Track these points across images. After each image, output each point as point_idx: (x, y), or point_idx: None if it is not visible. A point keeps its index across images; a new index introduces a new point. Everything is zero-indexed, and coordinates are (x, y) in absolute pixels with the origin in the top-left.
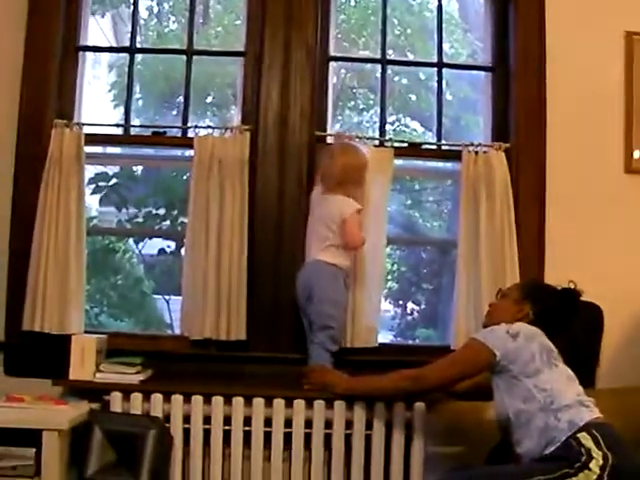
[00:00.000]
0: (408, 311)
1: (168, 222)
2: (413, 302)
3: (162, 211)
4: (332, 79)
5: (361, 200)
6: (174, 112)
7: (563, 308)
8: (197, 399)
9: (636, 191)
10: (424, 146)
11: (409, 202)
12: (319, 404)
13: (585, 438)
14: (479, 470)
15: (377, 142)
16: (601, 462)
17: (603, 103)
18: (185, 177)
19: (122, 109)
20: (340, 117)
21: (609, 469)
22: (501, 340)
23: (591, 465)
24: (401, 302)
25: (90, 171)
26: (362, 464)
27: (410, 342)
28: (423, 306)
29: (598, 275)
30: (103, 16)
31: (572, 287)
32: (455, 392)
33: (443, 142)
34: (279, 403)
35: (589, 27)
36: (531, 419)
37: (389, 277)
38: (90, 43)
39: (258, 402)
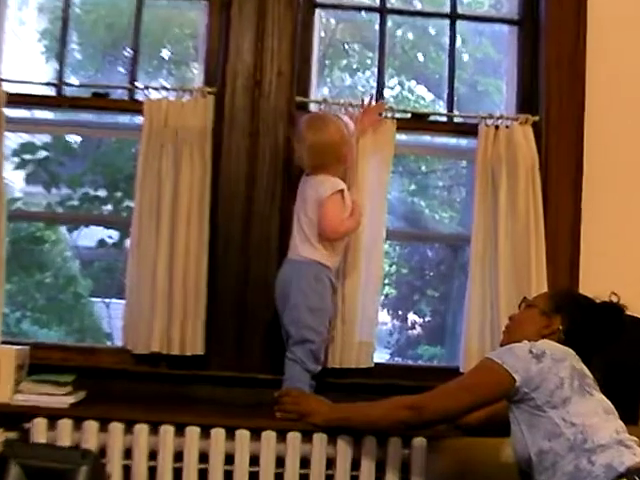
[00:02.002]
0: (409, 324)
1: (110, 206)
2: (415, 313)
3: (103, 193)
4: (318, 31)
5: (349, 177)
6: (120, 68)
7: (602, 326)
8: (141, 428)
9: None
10: (432, 117)
11: (413, 188)
12: (294, 437)
13: None
14: None
15: None
16: None
17: None
18: (132, 150)
19: (55, 64)
20: (328, 79)
21: None
22: (522, 361)
23: None
24: (400, 313)
25: (13, 140)
26: None
27: (410, 362)
28: (428, 318)
29: None
30: None
31: (614, 301)
32: (465, 425)
33: (456, 113)
34: (244, 435)
35: None
36: (558, 461)
37: (386, 281)
38: None
39: (218, 433)
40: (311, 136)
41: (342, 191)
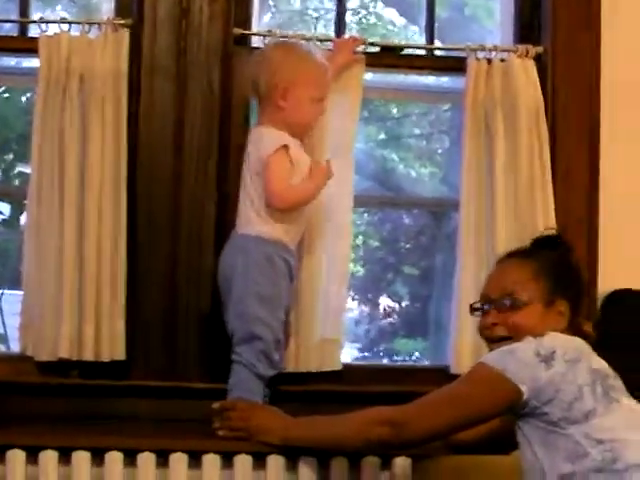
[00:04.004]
0: (381, 311)
1: None
2: (389, 297)
3: None
4: None
5: (297, 124)
6: None
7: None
8: (49, 456)
9: None
10: (407, 51)
11: (382, 137)
12: (243, 460)
13: None
14: None
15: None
16: None
17: None
18: (24, 100)
19: None
20: (272, 4)
21: None
22: (528, 367)
23: None
24: (370, 296)
25: None
26: None
27: (386, 361)
28: (405, 303)
29: None
30: None
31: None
32: (459, 442)
33: (437, 44)
34: (179, 459)
35: None
36: None
37: (352, 256)
38: None
39: (146, 459)
40: (254, 55)
41: (286, 147)
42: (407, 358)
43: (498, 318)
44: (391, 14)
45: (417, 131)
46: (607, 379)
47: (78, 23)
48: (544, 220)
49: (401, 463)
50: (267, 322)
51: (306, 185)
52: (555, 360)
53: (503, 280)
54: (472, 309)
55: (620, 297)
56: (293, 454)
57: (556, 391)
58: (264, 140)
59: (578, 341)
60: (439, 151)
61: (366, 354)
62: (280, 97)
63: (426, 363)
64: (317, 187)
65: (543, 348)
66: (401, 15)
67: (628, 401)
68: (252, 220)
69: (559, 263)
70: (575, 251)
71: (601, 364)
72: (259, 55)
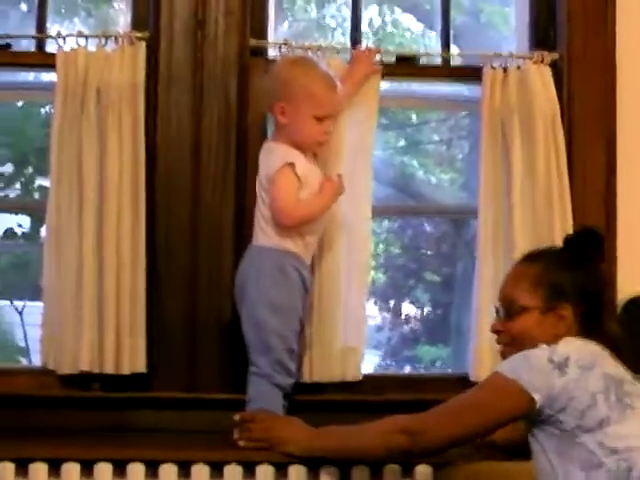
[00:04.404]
0: (403, 318)
1: (18, 186)
2: (411, 303)
3: (8, 168)
4: None
5: (306, 142)
6: (23, 7)
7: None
8: (71, 469)
9: None
10: (424, 59)
11: (402, 144)
12: (265, 471)
13: None
14: None
15: (349, 55)
16: None
17: None
18: (44, 112)
19: None
20: (289, 14)
21: None
22: (542, 375)
23: None
24: (392, 303)
25: None
26: None
27: (408, 369)
28: (427, 309)
29: None
30: None
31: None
32: (492, 443)
33: (453, 52)
34: (201, 471)
35: None
36: None
37: (372, 264)
38: None
39: (168, 471)
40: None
41: (292, 164)
42: (429, 365)
43: (501, 325)
44: (408, 20)
45: (436, 137)
46: (622, 385)
47: (95, 37)
48: (561, 227)
49: (422, 471)
50: (280, 332)
51: (314, 201)
52: (569, 367)
53: (506, 287)
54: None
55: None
56: (314, 464)
57: (569, 399)
58: (271, 156)
59: (592, 346)
60: (459, 157)
61: (388, 362)
62: (279, 113)
63: (447, 370)
64: (326, 203)
65: (557, 355)
66: (418, 21)
67: None
68: (265, 232)
69: (563, 266)
70: (603, 246)
71: (617, 369)
72: (269, 71)
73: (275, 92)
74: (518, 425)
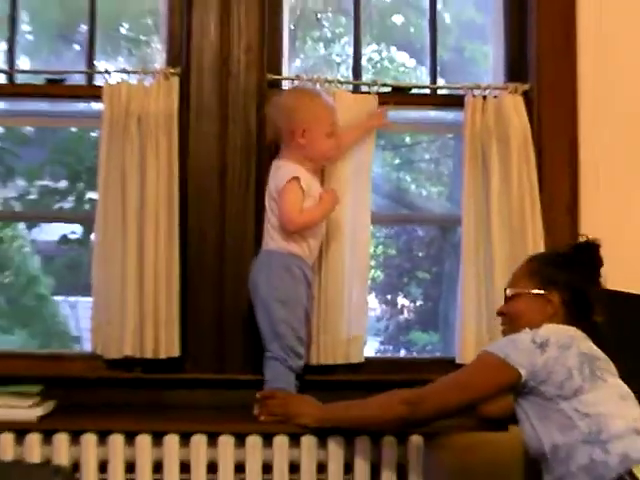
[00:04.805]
0: (399, 309)
1: (71, 199)
2: (405, 297)
3: (63, 184)
4: (288, 1)
5: (316, 157)
6: (76, 47)
7: (589, 268)
8: (116, 439)
9: None
10: (415, 90)
11: (397, 162)
12: (281, 441)
13: None
14: None
15: (352, 87)
16: None
17: None
18: (93, 135)
19: (4, 45)
20: (301, 53)
21: None
22: (526, 353)
23: None
24: (389, 297)
25: None
26: None
27: (403, 353)
28: (419, 302)
29: None
30: None
31: (584, 240)
32: (487, 415)
33: (439, 84)
34: (227, 441)
35: None
36: (572, 454)
37: (372, 263)
38: None
39: (198, 440)
40: (271, 102)
41: (297, 178)
42: (421, 349)
43: (504, 308)
44: (402, 57)
45: (426, 156)
46: (595, 361)
47: (136, 72)
48: (533, 234)
49: (415, 440)
50: (288, 321)
51: (315, 210)
52: (549, 347)
53: (511, 278)
54: None
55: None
56: (323, 434)
57: (549, 373)
58: (280, 172)
59: (572, 330)
60: (445, 173)
61: (386, 346)
62: (300, 137)
63: (436, 354)
64: (324, 212)
65: (538, 337)
66: (411, 57)
67: (613, 379)
68: (273, 238)
69: (558, 264)
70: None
71: (591, 349)
72: (276, 103)
73: (290, 121)
74: (504, 402)
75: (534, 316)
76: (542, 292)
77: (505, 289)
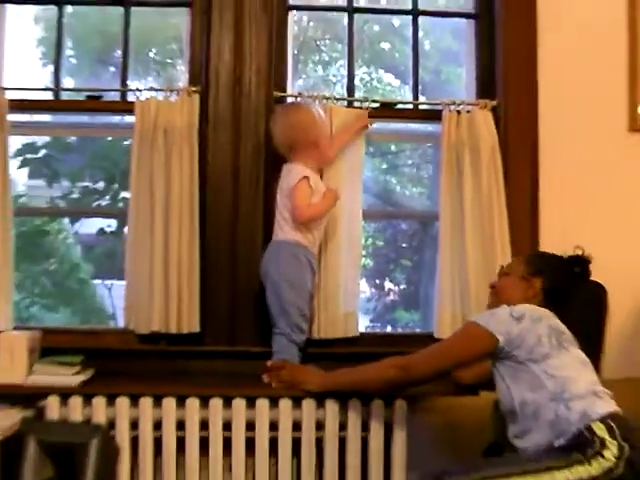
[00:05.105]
0: (386, 291)
1: (107, 198)
2: (391, 281)
3: (101, 185)
4: (292, 30)
5: (322, 160)
6: (112, 68)
7: (575, 278)
8: (145, 402)
9: None
10: (399, 105)
11: (385, 166)
12: (285, 403)
13: (599, 428)
14: (478, 461)
15: (346, 103)
16: (616, 452)
17: (603, 53)
18: (126, 142)
19: (51, 67)
20: (303, 74)
21: (625, 460)
22: (504, 324)
23: (605, 453)
24: (378, 282)
25: (16, 142)
26: (336, 470)
27: (390, 328)
28: (403, 286)
29: (601, 249)
30: None
31: (580, 253)
32: (460, 381)
33: (421, 100)
34: (240, 404)
35: None
36: (539, 410)
37: (363, 253)
38: None
39: (215, 403)
40: (283, 119)
41: (307, 178)
42: (404, 326)
43: (495, 283)
44: (389, 77)
45: (409, 162)
46: (561, 334)
47: (162, 90)
48: (499, 227)
49: (399, 403)
50: (295, 302)
51: (320, 205)
52: (524, 319)
53: (510, 260)
54: None
55: None
56: (321, 398)
57: (522, 339)
58: (291, 173)
59: (544, 310)
60: (425, 176)
61: (375, 323)
62: (314, 145)
63: (417, 330)
64: (328, 206)
65: (515, 312)
66: (396, 78)
67: (575, 350)
68: (283, 229)
69: (550, 262)
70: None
71: (558, 325)
72: (289, 119)
73: (306, 133)
74: (478, 369)
75: (516, 294)
76: (528, 277)
77: (502, 266)
